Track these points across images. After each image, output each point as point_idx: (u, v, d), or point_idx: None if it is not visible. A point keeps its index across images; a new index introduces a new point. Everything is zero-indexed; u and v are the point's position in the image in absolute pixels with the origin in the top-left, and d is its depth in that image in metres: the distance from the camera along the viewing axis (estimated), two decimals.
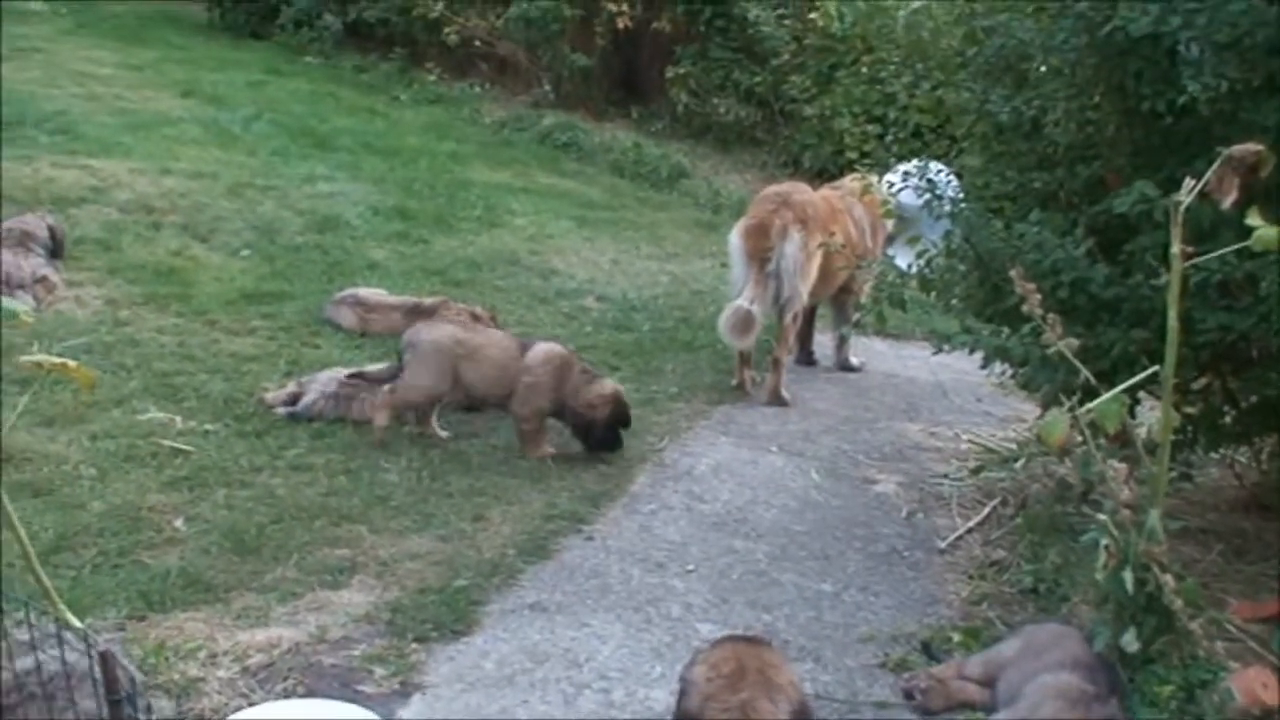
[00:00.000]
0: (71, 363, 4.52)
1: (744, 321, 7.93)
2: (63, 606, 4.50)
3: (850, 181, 8.98)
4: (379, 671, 4.90)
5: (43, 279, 8.39)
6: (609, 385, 7.11)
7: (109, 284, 8.80)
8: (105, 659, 2.78)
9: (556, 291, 9.90)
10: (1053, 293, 5.41)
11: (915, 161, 6.89)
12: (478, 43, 16.75)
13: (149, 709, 2.96)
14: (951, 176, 6.77)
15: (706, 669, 4.07)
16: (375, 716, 4.31)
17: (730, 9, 15.17)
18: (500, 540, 6.03)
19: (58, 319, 8.06)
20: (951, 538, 6.47)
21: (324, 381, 7.24)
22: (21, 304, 4.62)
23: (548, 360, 7.00)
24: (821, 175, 12.70)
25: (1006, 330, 5.76)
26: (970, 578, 6.06)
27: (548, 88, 16.38)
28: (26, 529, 4.67)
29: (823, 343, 9.29)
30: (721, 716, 3.91)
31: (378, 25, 17.62)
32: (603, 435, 6.99)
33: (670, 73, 15.55)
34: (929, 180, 6.36)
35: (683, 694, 4.06)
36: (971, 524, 6.61)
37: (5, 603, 3.52)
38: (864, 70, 13.81)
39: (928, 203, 6.30)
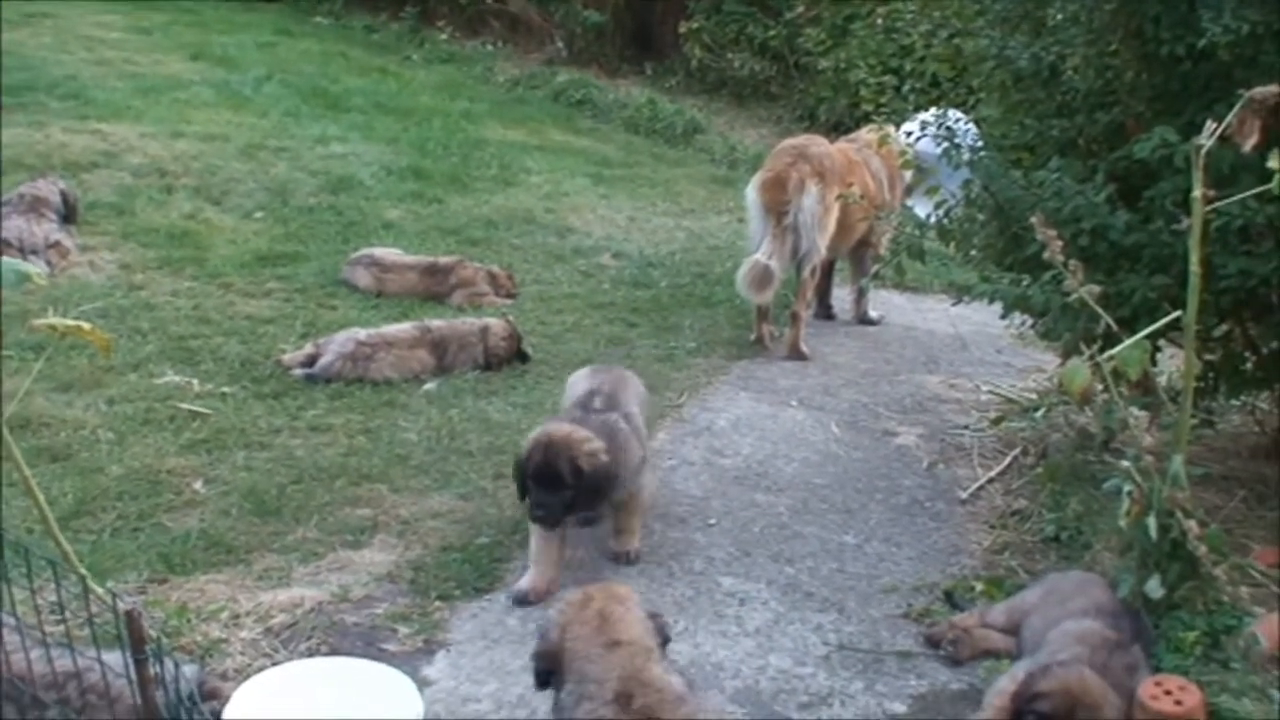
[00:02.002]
0: (86, 325, 4.50)
1: (762, 276, 7.88)
2: (84, 570, 4.51)
3: (867, 134, 8.91)
4: (402, 630, 4.90)
5: (56, 244, 8.39)
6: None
7: (123, 248, 8.80)
8: (131, 618, 2.77)
9: (573, 249, 9.87)
10: (1073, 240, 5.36)
11: (934, 110, 6.82)
12: (489, 0, 16.65)
13: (176, 667, 2.95)
14: (970, 124, 6.69)
15: (560, 608, 4.02)
16: (400, 674, 4.30)
17: None
18: None
19: (72, 284, 8.07)
20: (973, 488, 6.44)
21: (341, 342, 7.23)
22: (34, 268, 4.57)
23: None
24: (838, 128, 12.61)
25: (1026, 279, 5.71)
26: (992, 527, 6.04)
27: (560, 45, 16.32)
28: (45, 494, 4.71)
29: (841, 296, 9.24)
30: (583, 630, 3.87)
31: None
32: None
33: (684, 28, 15.45)
34: (947, 129, 6.30)
35: (541, 638, 3.99)
36: (993, 474, 6.57)
37: (32, 565, 3.51)
38: (879, 21, 13.69)
39: (946, 151, 6.24)
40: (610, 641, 3.82)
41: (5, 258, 4.78)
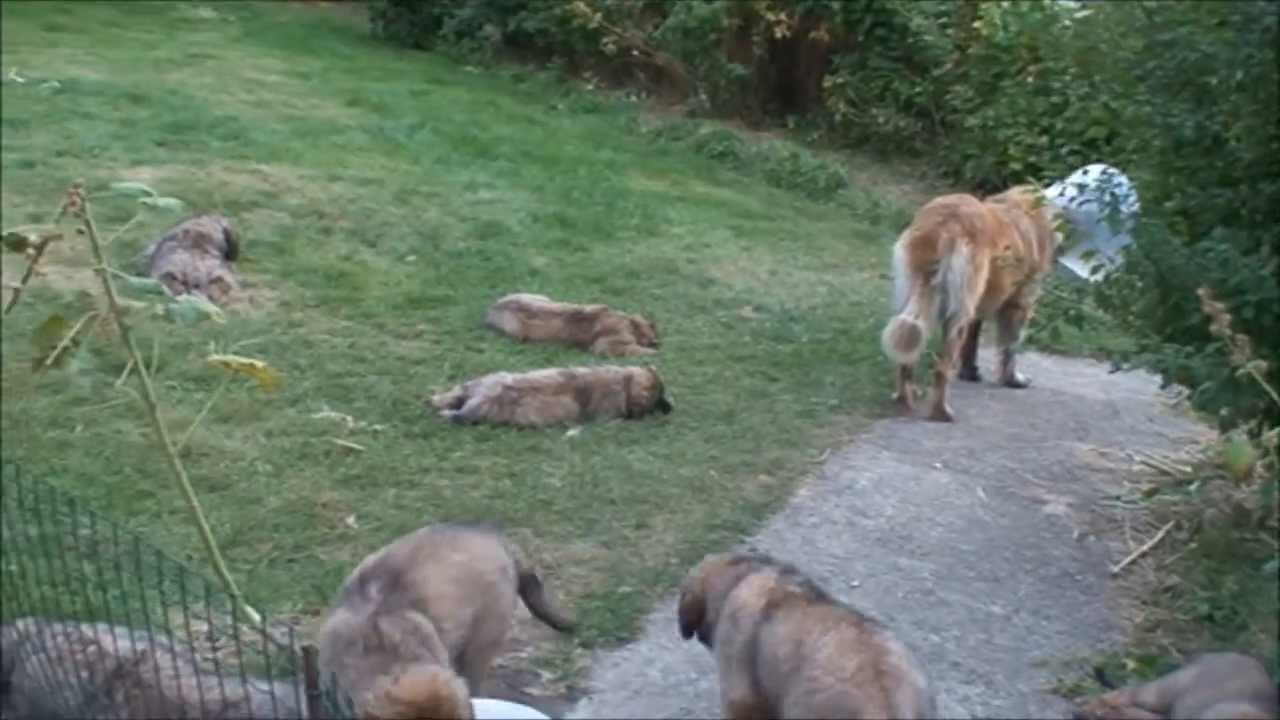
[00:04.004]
0: (259, 363, 4.64)
1: (909, 336, 7.83)
2: (241, 600, 4.63)
3: (1016, 194, 8.82)
4: (546, 675, 4.95)
5: (218, 280, 8.63)
6: None
7: (282, 286, 9.04)
8: (308, 654, 2.85)
9: (714, 301, 9.90)
10: (1237, 313, 5.25)
11: (1098, 169, 6.72)
12: (635, 52, 16.81)
13: (350, 704, 3.02)
14: (1133, 190, 6.59)
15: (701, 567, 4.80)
16: (544, 718, 4.34)
17: (891, 19, 14.99)
18: (663, 548, 6.05)
19: (233, 320, 8.24)
20: (1125, 562, 6.32)
21: (488, 385, 7.33)
22: (212, 307, 4.72)
23: None
24: (983, 187, 12.48)
25: (1188, 349, 5.61)
26: (1144, 603, 5.92)
27: (704, 97, 16.39)
28: (205, 522, 4.82)
29: (986, 358, 9.14)
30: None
31: (536, 35, 17.81)
32: None
33: (828, 82, 15.44)
34: (1111, 194, 6.21)
35: (683, 595, 4.71)
36: (1145, 548, 6.44)
37: (184, 592, 3.60)
38: (1030, 79, 13.55)
39: (1107, 216, 6.15)
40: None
41: (183, 296, 4.94)
